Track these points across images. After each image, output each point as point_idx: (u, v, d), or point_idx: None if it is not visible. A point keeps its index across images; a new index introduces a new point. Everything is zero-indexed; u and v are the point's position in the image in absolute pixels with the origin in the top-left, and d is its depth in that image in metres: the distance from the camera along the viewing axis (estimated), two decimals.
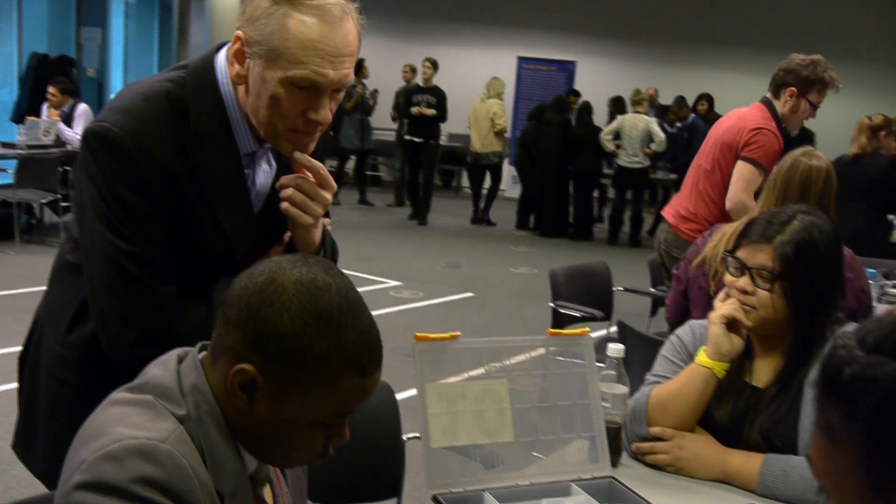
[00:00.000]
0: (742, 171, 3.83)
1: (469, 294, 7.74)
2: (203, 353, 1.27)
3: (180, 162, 1.57)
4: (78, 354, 1.68)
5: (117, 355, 1.59)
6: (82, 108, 8.61)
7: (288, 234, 1.72)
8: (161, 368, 1.24)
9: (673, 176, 11.24)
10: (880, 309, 3.50)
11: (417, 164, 11.18)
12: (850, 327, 0.91)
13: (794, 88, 3.89)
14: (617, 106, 11.31)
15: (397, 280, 7.96)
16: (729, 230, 3.04)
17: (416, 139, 10.98)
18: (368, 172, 13.17)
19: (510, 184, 13.72)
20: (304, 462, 1.34)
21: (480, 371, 1.84)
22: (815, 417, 0.87)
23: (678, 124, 11.61)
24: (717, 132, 4.05)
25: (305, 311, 1.15)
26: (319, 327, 1.15)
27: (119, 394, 1.22)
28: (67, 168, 7.97)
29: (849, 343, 0.84)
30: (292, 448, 1.24)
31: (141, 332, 1.56)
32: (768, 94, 3.98)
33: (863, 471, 0.80)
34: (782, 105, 3.93)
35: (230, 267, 1.53)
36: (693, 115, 11.53)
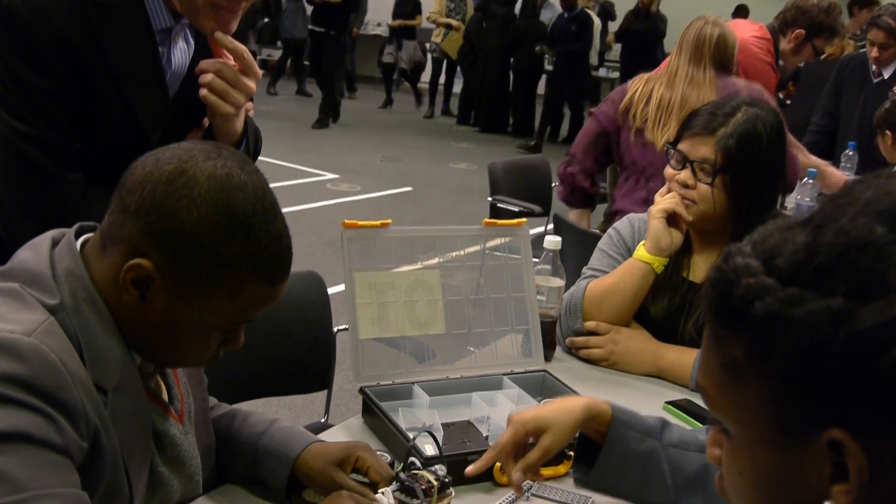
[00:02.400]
0: None
1: (408, 188, 7.64)
2: (86, 236, 1.15)
3: (84, 35, 1.42)
4: None
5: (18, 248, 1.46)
6: None
7: (207, 121, 1.59)
8: (31, 252, 1.12)
9: (615, 75, 11.12)
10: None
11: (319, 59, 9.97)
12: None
13: (802, 31, 3.76)
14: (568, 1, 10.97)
15: (334, 173, 7.81)
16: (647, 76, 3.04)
17: (318, 28, 9.76)
18: (307, 62, 12.76)
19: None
20: (193, 364, 1.26)
21: (415, 267, 1.76)
22: (710, 346, 0.75)
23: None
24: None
25: (217, 211, 1.05)
26: (230, 229, 1.05)
27: None
28: None
29: (752, 266, 0.71)
30: (183, 350, 1.15)
31: (43, 222, 1.42)
32: (774, 24, 3.86)
33: (773, 414, 0.70)
34: (786, 43, 3.82)
35: (143, 154, 1.41)
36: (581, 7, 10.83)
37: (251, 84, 1.53)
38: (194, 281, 1.06)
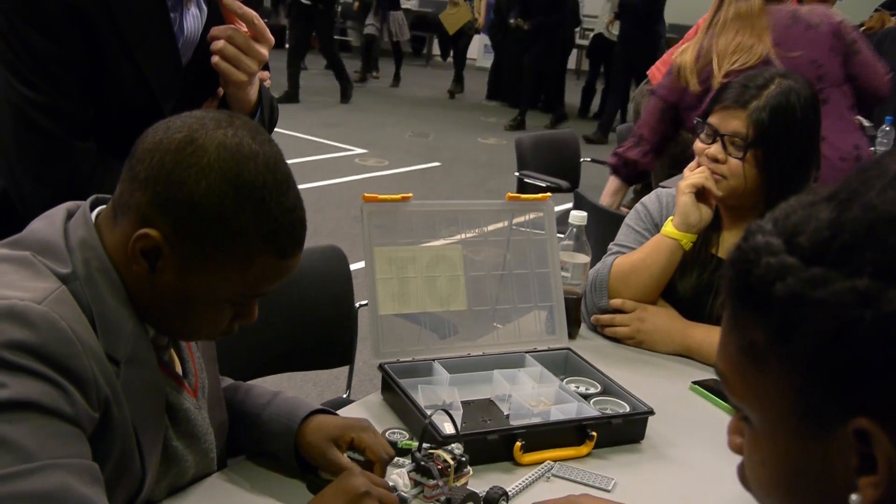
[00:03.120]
0: None
1: (436, 164, 7.60)
2: (100, 208, 1.13)
3: (94, 0, 1.39)
4: None
5: (32, 217, 1.45)
6: None
7: (221, 90, 1.56)
8: (45, 222, 1.10)
9: None
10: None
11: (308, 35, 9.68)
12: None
13: None
14: None
15: (363, 148, 7.79)
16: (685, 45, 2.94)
17: (305, 1, 9.33)
18: (337, 37, 12.70)
19: (482, 53, 13.36)
20: (205, 337, 1.24)
21: (436, 242, 1.73)
22: (729, 329, 0.71)
23: None
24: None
25: (226, 181, 1.02)
26: (240, 200, 1.02)
27: None
28: None
29: (773, 244, 0.66)
30: (194, 323, 1.12)
31: (55, 191, 1.40)
32: None
33: (796, 401, 0.66)
34: None
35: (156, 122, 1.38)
36: None
37: (263, 51, 1.50)
38: (203, 253, 1.04)
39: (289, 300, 2.07)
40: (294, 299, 2.08)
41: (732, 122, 1.81)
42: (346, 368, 2.29)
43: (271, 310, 2.08)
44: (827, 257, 0.64)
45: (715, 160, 1.84)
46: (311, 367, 2.32)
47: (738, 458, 0.76)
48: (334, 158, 7.28)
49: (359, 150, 7.68)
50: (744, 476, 0.75)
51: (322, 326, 2.15)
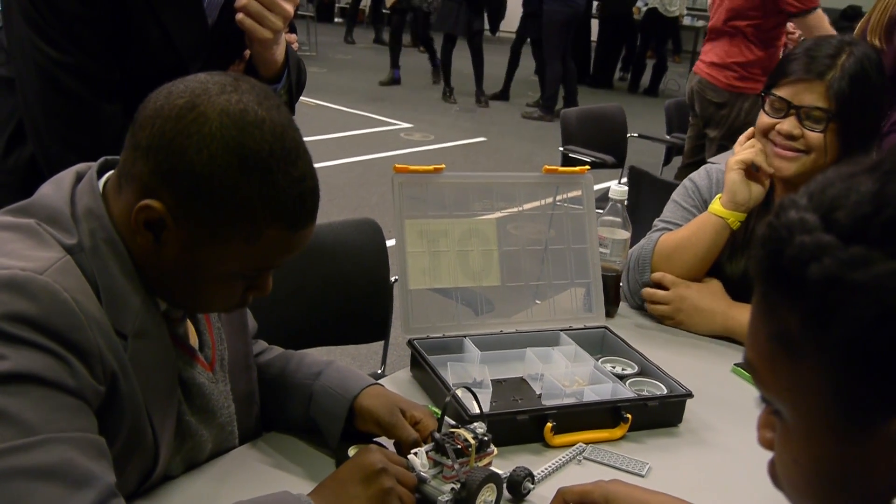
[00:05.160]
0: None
1: (482, 139, 7.52)
2: (109, 174, 1.09)
3: None
4: (18, 180, 1.51)
5: None
6: None
7: (248, 51, 1.52)
8: (53, 187, 1.06)
9: (700, 24, 10.72)
10: None
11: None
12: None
13: None
14: None
15: (408, 122, 7.74)
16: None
17: None
18: (385, 10, 12.60)
19: None
20: (218, 310, 1.20)
21: (469, 215, 1.67)
22: (759, 315, 0.65)
23: None
24: None
25: (229, 150, 0.96)
26: (244, 170, 0.97)
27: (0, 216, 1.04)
28: None
29: (808, 221, 0.60)
30: (204, 297, 1.08)
31: (82, 154, 1.37)
32: None
33: (833, 396, 0.59)
34: None
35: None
36: None
37: (288, 7, 1.46)
38: (208, 225, 0.99)
39: (323, 273, 2.04)
40: (329, 273, 2.05)
41: (808, 95, 1.70)
42: (381, 343, 2.26)
43: (305, 283, 2.07)
44: (868, 235, 0.57)
45: (790, 136, 1.74)
46: (346, 341, 2.29)
47: None
48: (380, 133, 7.24)
49: (404, 125, 7.64)
50: (775, 474, 0.68)
51: (358, 300, 2.12)
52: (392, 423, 1.24)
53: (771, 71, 1.82)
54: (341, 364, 1.37)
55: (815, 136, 1.71)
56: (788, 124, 1.73)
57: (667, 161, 4.80)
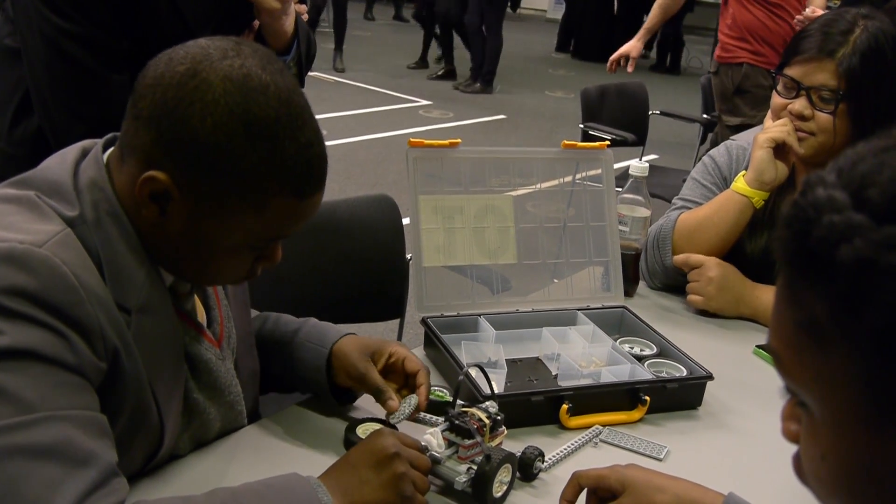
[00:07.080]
0: None
1: (501, 116, 7.46)
2: (112, 149, 1.06)
3: None
4: (26, 152, 1.49)
5: None
6: None
7: (257, 22, 1.48)
8: (57, 160, 1.03)
9: None
10: None
11: None
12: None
13: None
14: None
15: (428, 99, 7.68)
16: None
17: None
18: None
19: (552, 4, 13.05)
20: (227, 282, 1.18)
21: (485, 191, 1.63)
22: (784, 301, 0.60)
23: None
24: None
25: (233, 117, 0.93)
26: (250, 138, 0.93)
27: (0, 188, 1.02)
28: None
29: (837, 199, 0.55)
30: (213, 269, 1.05)
31: (89, 124, 1.35)
32: None
33: (865, 387, 0.54)
34: None
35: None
36: None
37: None
38: (213, 195, 0.96)
39: (339, 250, 2.01)
40: (344, 249, 2.02)
41: (818, 75, 1.65)
42: (397, 322, 2.23)
43: (320, 259, 2.04)
44: None
45: (800, 117, 1.69)
46: (361, 319, 2.26)
47: None
48: (399, 109, 7.19)
49: (424, 102, 7.58)
50: (800, 469, 0.63)
51: (373, 278, 2.09)
52: (361, 373, 1.25)
53: (785, 48, 1.77)
54: (317, 321, 1.37)
55: (823, 118, 1.66)
56: (799, 104, 1.68)
57: (702, 140, 4.68)
